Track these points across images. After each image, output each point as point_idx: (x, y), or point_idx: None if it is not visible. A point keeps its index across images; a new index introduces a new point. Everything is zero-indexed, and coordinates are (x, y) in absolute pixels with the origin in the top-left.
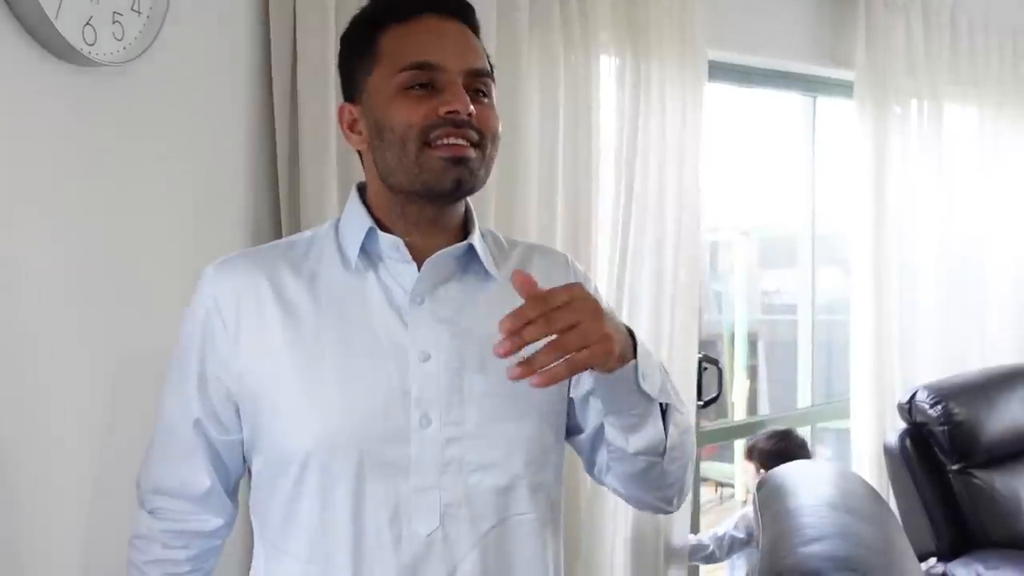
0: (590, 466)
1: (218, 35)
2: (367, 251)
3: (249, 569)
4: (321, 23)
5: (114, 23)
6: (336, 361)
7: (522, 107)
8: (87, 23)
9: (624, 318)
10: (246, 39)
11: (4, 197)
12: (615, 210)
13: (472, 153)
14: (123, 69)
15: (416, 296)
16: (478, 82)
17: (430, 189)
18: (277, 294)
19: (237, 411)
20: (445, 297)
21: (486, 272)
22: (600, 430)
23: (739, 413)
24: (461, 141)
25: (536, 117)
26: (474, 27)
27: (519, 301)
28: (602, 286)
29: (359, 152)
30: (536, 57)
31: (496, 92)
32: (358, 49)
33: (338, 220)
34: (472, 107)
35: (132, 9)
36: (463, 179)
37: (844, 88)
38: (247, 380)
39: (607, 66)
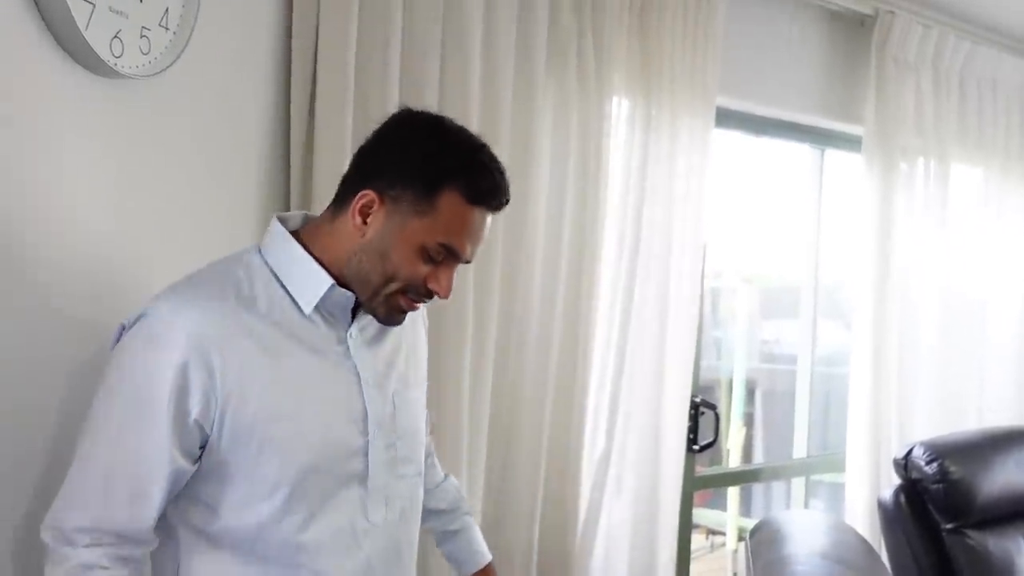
0: None
1: (241, 53)
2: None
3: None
4: (342, 45)
5: (142, 37)
6: (314, 395)
7: (534, 147)
8: (115, 36)
9: (627, 360)
10: (269, 57)
11: (31, 201)
12: (619, 251)
13: (418, 309)
14: (148, 82)
15: (352, 332)
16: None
17: (374, 314)
18: (252, 339)
19: (203, 445)
20: (367, 327)
21: None
22: None
23: (734, 460)
24: (420, 304)
25: (547, 157)
26: None
27: (415, 325)
28: (603, 326)
29: (335, 211)
30: (551, 98)
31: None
32: (421, 174)
33: (259, 252)
34: (451, 290)
35: (160, 25)
36: (398, 323)
37: (853, 142)
38: (230, 418)
39: (618, 109)
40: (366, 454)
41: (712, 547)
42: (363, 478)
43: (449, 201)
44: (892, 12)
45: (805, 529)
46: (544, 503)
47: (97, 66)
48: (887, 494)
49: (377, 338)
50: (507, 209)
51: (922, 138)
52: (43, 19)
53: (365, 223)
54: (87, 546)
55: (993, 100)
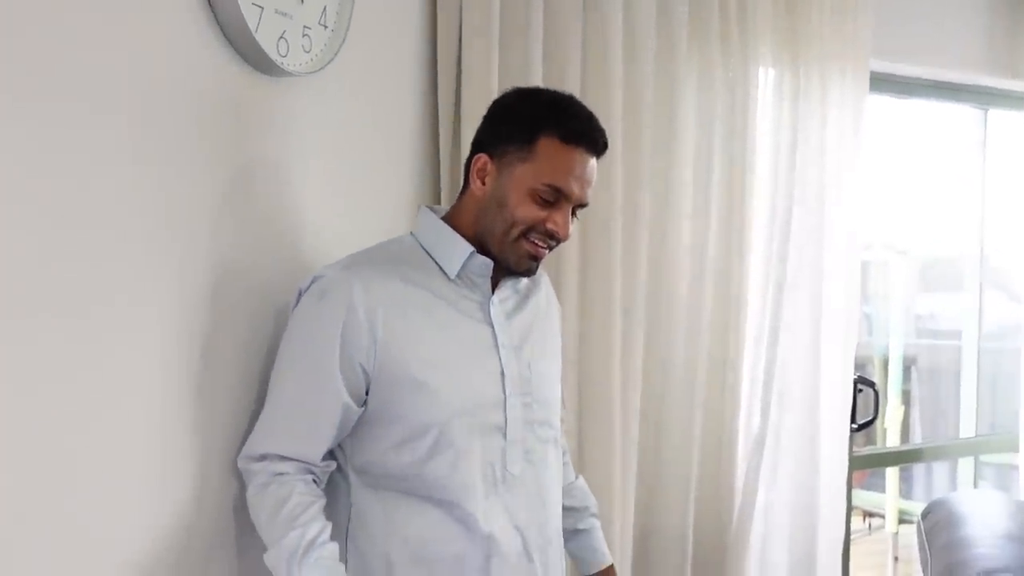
0: None
1: (391, 46)
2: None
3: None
4: (485, 29)
5: (304, 36)
6: (460, 350)
7: (678, 115)
8: (281, 37)
9: (781, 337)
10: (416, 48)
11: (236, 198)
12: (770, 224)
13: (546, 253)
14: (309, 79)
15: (494, 301)
16: (578, 208)
17: (506, 264)
18: (408, 298)
19: (367, 390)
20: (507, 299)
21: (533, 281)
22: None
23: (891, 440)
24: (545, 247)
25: (692, 126)
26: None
27: (554, 299)
28: (755, 301)
29: (464, 189)
30: (695, 65)
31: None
32: (519, 128)
33: (413, 236)
34: (569, 230)
35: (319, 23)
36: (531, 270)
37: (1020, 100)
38: (389, 364)
39: (765, 78)
40: (504, 408)
41: (870, 529)
42: (503, 430)
43: (546, 145)
44: None
45: (984, 510)
46: (698, 487)
47: (267, 66)
48: None
49: (516, 311)
50: (650, 182)
51: None
52: (219, 24)
53: (484, 183)
54: (275, 461)
55: None
